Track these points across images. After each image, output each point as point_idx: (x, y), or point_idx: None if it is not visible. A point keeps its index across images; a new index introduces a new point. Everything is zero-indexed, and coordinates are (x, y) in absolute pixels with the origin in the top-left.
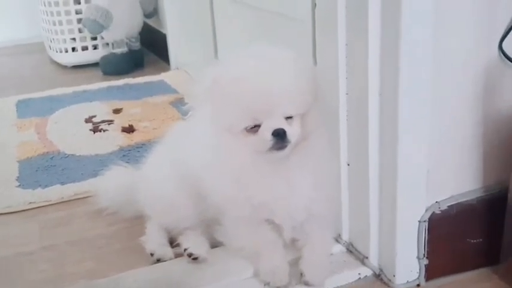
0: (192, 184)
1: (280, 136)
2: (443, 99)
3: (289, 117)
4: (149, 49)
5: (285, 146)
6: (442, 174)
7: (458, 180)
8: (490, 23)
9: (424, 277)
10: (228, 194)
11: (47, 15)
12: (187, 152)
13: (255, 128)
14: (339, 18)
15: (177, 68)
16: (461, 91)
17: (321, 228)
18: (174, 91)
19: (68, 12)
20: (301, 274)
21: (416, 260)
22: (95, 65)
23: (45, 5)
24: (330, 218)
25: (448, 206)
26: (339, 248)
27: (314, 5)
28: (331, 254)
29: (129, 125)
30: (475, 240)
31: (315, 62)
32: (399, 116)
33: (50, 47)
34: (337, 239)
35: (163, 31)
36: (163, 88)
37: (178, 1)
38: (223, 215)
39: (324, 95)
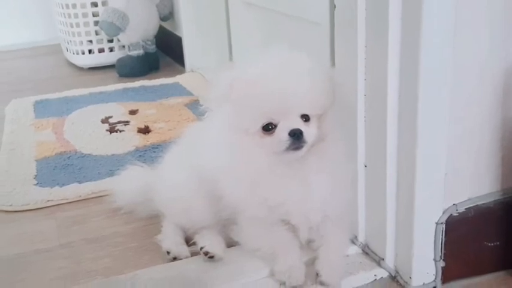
0: (208, 185)
1: (296, 136)
2: (462, 102)
3: (306, 119)
4: (164, 52)
5: (302, 147)
6: (460, 176)
7: (476, 183)
8: (508, 26)
9: (441, 280)
10: (244, 195)
11: (64, 17)
12: (203, 153)
13: (271, 129)
14: (358, 20)
15: (192, 71)
16: (480, 94)
17: (337, 229)
18: (189, 93)
19: (85, 15)
20: (317, 274)
21: (433, 262)
22: (111, 67)
23: (62, 8)
24: (346, 219)
25: (466, 209)
26: (354, 249)
27: (333, 7)
28: (347, 255)
29: (145, 126)
30: (492, 244)
31: (333, 64)
32: (418, 118)
33: (66, 49)
34: (353, 240)
35: (179, 34)
36: (179, 90)
37: (194, 4)
38: (239, 215)
39: (342, 97)
